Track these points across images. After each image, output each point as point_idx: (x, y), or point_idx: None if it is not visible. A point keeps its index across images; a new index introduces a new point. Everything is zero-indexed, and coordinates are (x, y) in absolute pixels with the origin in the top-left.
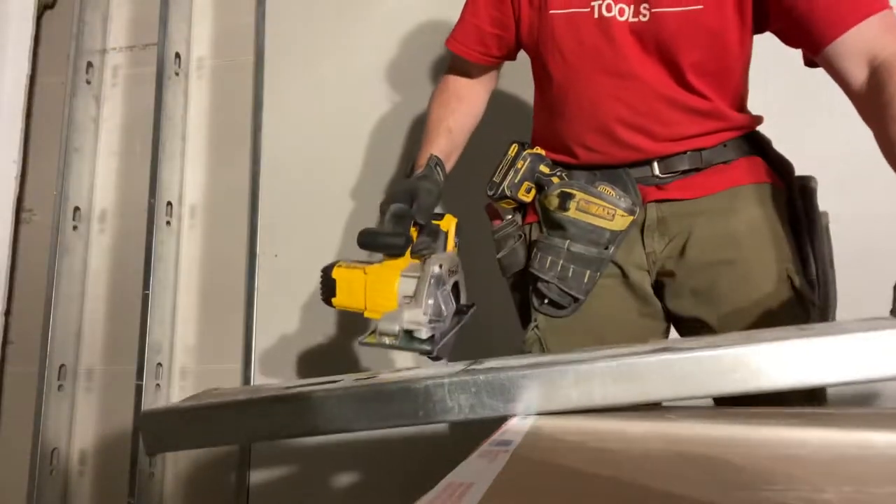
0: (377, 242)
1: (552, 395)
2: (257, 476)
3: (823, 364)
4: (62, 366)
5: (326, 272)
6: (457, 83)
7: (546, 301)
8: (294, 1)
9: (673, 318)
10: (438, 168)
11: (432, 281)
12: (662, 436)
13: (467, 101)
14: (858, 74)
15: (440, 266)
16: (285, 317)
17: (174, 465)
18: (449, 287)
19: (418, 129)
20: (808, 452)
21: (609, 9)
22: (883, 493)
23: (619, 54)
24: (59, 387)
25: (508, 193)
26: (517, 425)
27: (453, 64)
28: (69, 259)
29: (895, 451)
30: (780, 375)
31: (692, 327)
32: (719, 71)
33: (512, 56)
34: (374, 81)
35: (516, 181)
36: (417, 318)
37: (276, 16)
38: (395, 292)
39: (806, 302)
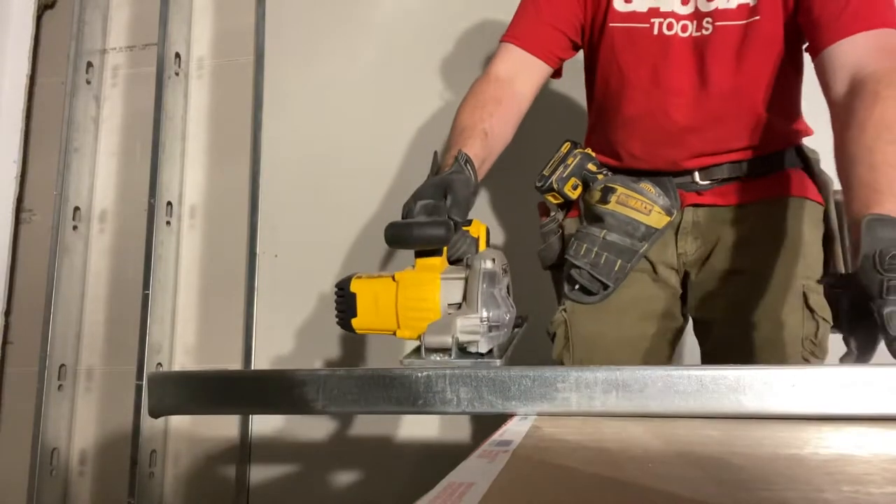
0: (413, 234)
1: (552, 397)
2: (257, 476)
3: (829, 394)
4: (62, 366)
5: (343, 287)
6: (498, 86)
7: (577, 287)
8: (294, 1)
9: (691, 317)
10: (469, 166)
11: (485, 279)
12: (662, 436)
13: (507, 106)
14: (840, 87)
15: (492, 261)
16: (285, 317)
17: (174, 465)
18: (504, 287)
19: (418, 128)
20: (808, 452)
21: (670, 27)
22: (883, 493)
23: (674, 72)
24: (59, 387)
25: (555, 187)
26: (517, 425)
27: (501, 66)
28: (69, 259)
29: (895, 452)
30: (782, 401)
31: (703, 328)
32: (776, 81)
33: (559, 72)
34: (373, 81)
35: (564, 176)
36: (473, 326)
37: (276, 16)
38: (437, 299)
39: (817, 317)
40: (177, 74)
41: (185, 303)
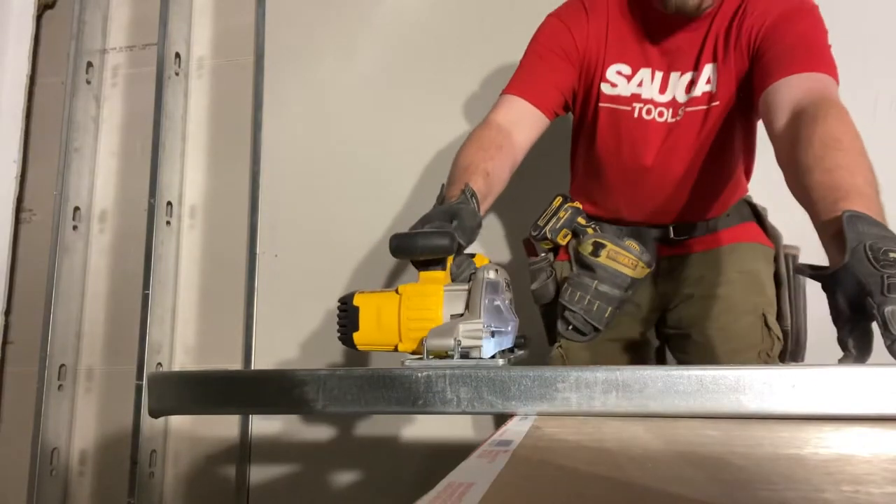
0: (418, 244)
1: (552, 397)
2: (257, 476)
3: (828, 394)
4: (62, 366)
5: (346, 301)
6: (499, 133)
7: (570, 327)
8: (294, 1)
9: (666, 336)
10: (474, 199)
11: (488, 288)
12: (662, 436)
13: (506, 153)
14: (782, 119)
15: (495, 271)
16: (285, 317)
17: (174, 465)
18: (507, 300)
19: (418, 128)
20: (808, 452)
21: (649, 112)
22: (883, 493)
23: (649, 151)
24: (59, 387)
25: (549, 236)
26: (517, 425)
27: (501, 115)
28: (69, 259)
29: (895, 452)
30: (782, 401)
31: (681, 341)
32: (732, 152)
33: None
34: (373, 81)
35: (557, 227)
36: (475, 331)
37: (276, 16)
38: (440, 310)
39: (773, 335)
40: (177, 74)
41: (185, 303)
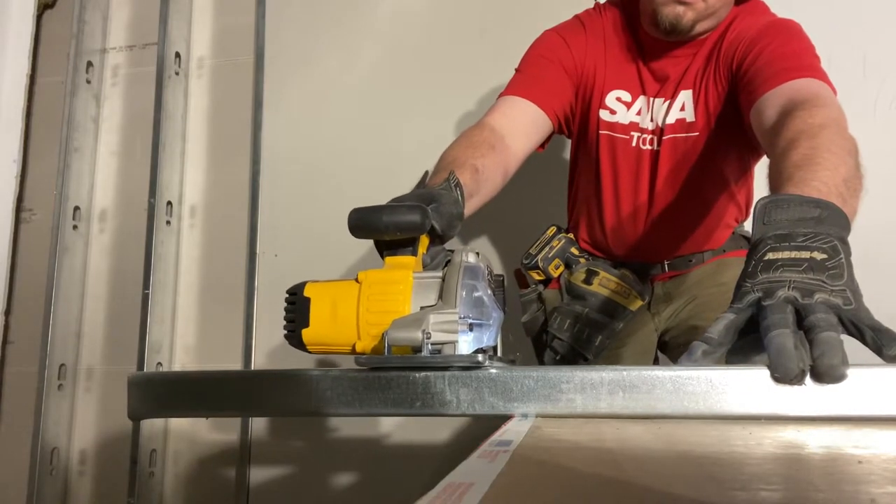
0: (382, 220)
1: (556, 398)
2: (257, 476)
3: (831, 395)
4: (62, 366)
5: (295, 293)
6: (492, 135)
7: (558, 357)
8: (294, 1)
9: (666, 332)
10: (458, 190)
11: (466, 273)
12: (662, 436)
13: (499, 153)
14: (771, 117)
15: (476, 255)
16: None
17: (174, 465)
18: (491, 291)
19: (417, 128)
20: (807, 452)
21: (644, 142)
22: (883, 493)
23: (642, 183)
24: (59, 387)
25: (540, 265)
26: (517, 425)
27: (496, 118)
28: (69, 259)
29: (895, 452)
30: (792, 402)
31: (688, 333)
32: (719, 186)
33: (544, 143)
34: (373, 81)
35: (549, 256)
36: (450, 322)
37: (276, 16)
38: (408, 300)
39: None
40: (177, 74)
41: (185, 303)
